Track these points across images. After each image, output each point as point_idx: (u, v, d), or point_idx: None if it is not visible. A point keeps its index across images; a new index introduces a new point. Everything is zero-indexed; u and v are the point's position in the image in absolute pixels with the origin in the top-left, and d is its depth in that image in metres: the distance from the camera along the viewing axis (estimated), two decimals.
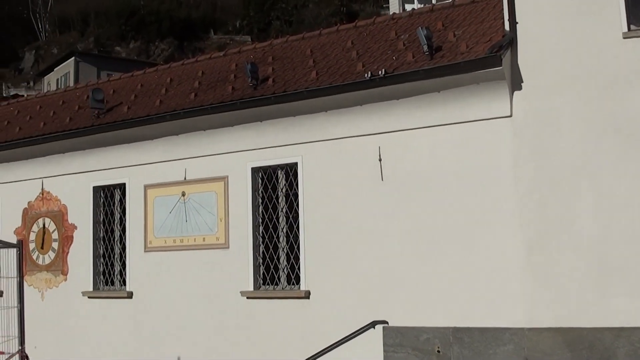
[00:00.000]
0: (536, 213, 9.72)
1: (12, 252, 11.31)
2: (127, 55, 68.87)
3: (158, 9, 74.82)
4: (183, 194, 13.07)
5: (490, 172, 10.08)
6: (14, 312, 9.27)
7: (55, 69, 58.60)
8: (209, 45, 64.88)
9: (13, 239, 15.08)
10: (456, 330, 9.78)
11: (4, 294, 12.57)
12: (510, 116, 9.97)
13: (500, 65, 9.46)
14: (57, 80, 55.26)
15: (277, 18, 72.29)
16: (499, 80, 9.80)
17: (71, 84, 43.07)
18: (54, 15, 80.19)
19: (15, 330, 9.18)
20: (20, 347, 9.02)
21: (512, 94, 9.96)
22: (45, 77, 60.64)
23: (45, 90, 35.05)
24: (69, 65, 55.87)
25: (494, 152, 10.07)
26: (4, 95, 50.44)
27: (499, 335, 9.41)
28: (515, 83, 9.94)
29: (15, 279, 10.60)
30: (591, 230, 9.41)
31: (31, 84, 65.23)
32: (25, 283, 14.69)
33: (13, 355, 8.76)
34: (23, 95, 22.46)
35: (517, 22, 9.84)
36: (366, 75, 10.65)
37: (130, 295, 13.57)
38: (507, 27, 10.02)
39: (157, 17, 73.83)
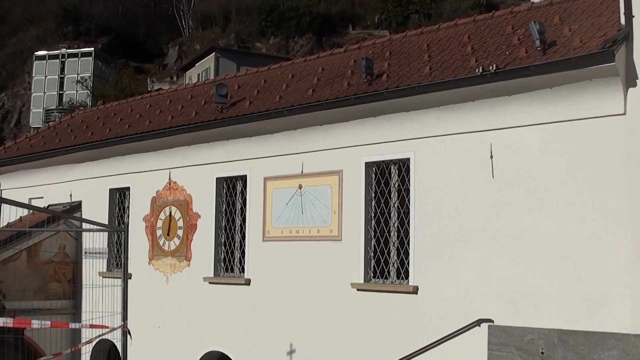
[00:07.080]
0: None
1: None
2: (267, 51, 70.56)
3: (298, 5, 76.46)
4: (300, 187, 13.39)
5: (601, 171, 9.73)
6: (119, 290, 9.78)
7: (196, 64, 60.80)
8: (347, 40, 65.42)
9: (142, 226, 15.95)
10: (561, 332, 9.56)
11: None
12: (624, 114, 9.57)
13: (613, 61, 9.10)
14: (198, 75, 57.24)
15: (416, 11, 72.14)
16: (612, 77, 9.43)
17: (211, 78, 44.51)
18: (197, 12, 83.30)
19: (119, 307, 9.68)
20: (123, 322, 9.49)
21: (627, 91, 9.55)
22: (187, 72, 63.02)
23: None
24: (209, 60, 57.82)
25: (606, 151, 9.71)
26: (149, 89, 52.87)
27: (604, 340, 9.12)
28: (631, 79, 9.52)
29: (121, 260, 11.07)
30: None
31: (174, 78, 68.12)
32: (151, 267, 15.67)
33: (115, 329, 9.27)
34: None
35: (633, 16, 9.38)
36: (477, 70, 10.53)
37: (248, 282, 14.06)
38: (622, 21, 9.63)
39: (297, 13, 75.45)
